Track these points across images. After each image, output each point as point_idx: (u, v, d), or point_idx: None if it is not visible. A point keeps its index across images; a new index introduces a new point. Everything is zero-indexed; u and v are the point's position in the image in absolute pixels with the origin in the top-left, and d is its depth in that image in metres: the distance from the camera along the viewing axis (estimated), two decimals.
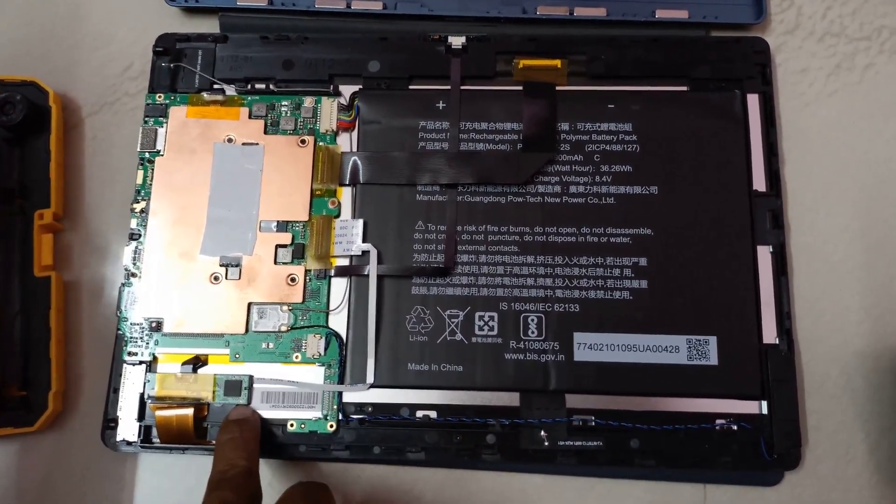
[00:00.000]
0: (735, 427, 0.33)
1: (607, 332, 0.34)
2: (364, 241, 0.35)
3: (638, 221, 0.35)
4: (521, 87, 0.37)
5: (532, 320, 0.34)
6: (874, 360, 0.35)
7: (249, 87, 0.37)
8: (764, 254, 0.35)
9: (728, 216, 0.35)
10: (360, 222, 0.35)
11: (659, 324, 0.34)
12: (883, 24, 0.39)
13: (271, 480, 0.34)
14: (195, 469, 0.34)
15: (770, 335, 0.34)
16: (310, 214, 0.35)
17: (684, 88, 0.37)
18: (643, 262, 0.34)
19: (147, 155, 0.36)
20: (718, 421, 0.33)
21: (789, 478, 0.34)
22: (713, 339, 0.33)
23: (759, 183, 0.36)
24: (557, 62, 0.37)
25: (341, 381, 0.34)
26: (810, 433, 0.34)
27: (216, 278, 0.34)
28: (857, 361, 0.35)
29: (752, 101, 0.37)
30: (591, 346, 0.34)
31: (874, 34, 0.39)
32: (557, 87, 0.37)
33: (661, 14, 0.38)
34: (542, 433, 0.33)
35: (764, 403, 0.33)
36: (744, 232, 0.35)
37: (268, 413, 0.33)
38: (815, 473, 0.34)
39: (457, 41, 0.37)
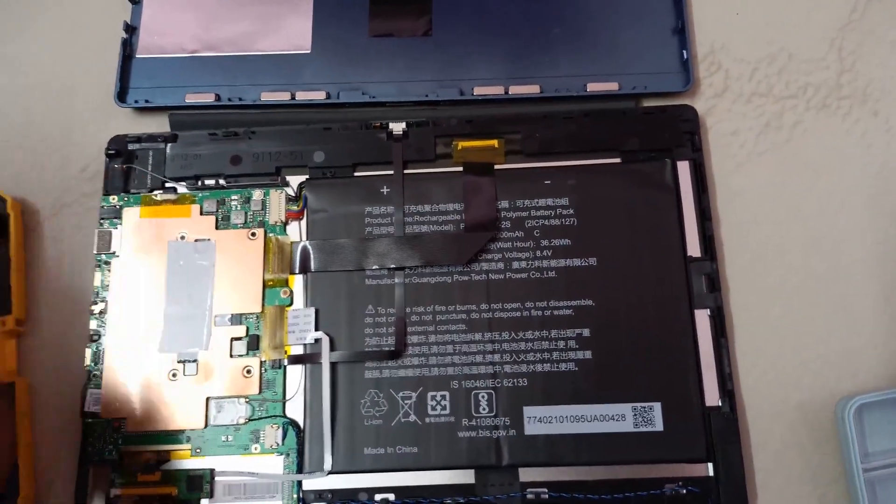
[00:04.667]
0: (684, 491, 0.34)
1: (555, 405, 0.35)
2: (317, 328, 0.36)
3: (579, 293, 0.36)
4: (461, 168, 0.38)
5: (483, 397, 0.35)
6: (815, 412, 0.36)
7: (200, 183, 0.38)
8: (702, 317, 0.36)
9: (665, 283, 0.36)
10: (312, 311, 0.36)
11: (604, 393, 0.35)
12: (808, 82, 0.41)
13: None
14: None
15: (713, 397, 0.35)
16: (263, 305, 0.36)
17: (617, 160, 0.38)
18: (586, 332, 0.36)
19: (103, 257, 0.37)
20: (668, 486, 0.34)
21: None
22: (657, 406, 0.35)
23: (694, 248, 0.37)
24: (494, 142, 0.39)
25: (300, 469, 0.35)
26: (759, 490, 0.35)
27: (174, 375, 0.35)
28: (800, 415, 0.36)
29: (683, 167, 0.38)
30: (541, 420, 0.35)
31: (800, 92, 0.41)
32: (496, 166, 0.38)
33: (592, 88, 0.40)
34: None
35: (710, 465, 0.34)
36: (681, 297, 0.36)
37: None
38: None
39: (397, 127, 0.39)
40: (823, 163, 0.40)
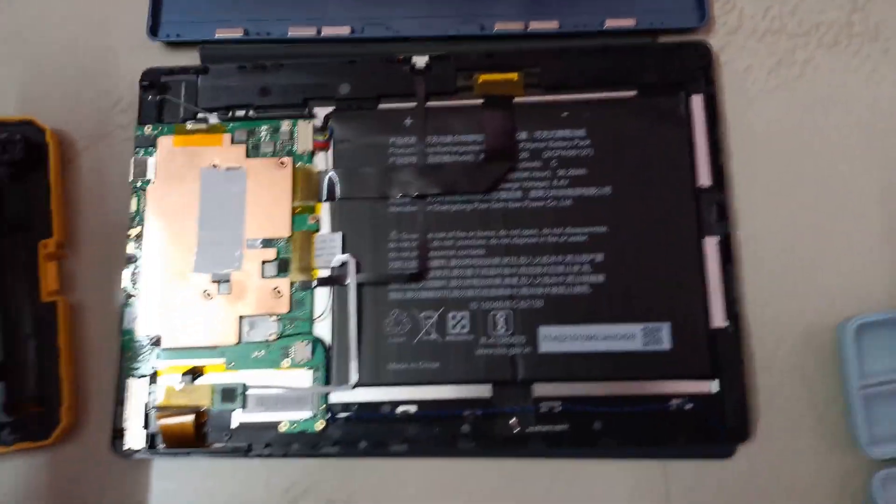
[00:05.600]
0: (689, 406, 0.36)
1: (569, 325, 0.37)
2: (343, 252, 0.38)
3: (593, 220, 0.38)
4: (481, 101, 0.40)
5: (500, 317, 0.37)
6: (818, 336, 0.38)
7: (230, 114, 0.40)
8: (711, 244, 0.37)
9: (675, 211, 0.38)
10: (339, 235, 0.38)
11: (616, 314, 0.37)
12: (820, 21, 0.42)
13: (268, 478, 0.37)
14: (198, 471, 0.37)
15: (719, 319, 0.37)
16: (291, 231, 0.38)
17: (633, 94, 0.40)
18: (599, 257, 0.37)
19: (139, 183, 0.39)
20: (673, 401, 0.36)
21: (742, 450, 0.37)
22: (666, 326, 0.36)
23: (705, 179, 0.38)
24: (514, 75, 0.40)
25: (327, 382, 0.37)
26: (762, 408, 0.37)
27: (209, 294, 0.37)
28: (804, 339, 0.38)
29: (697, 101, 0.39)
30: (555, 338, 0.37)
31: (812, 30, 0.42)
32: (515, 99, 0.39)
33: (609, 23, 0.41)
34: (513, 420, 0.36)
35: (715, 382, 0.36)
36: (690, 225, 0.37)
37: (262, 416, 0.36)
38: (767, 445, 0.37)
39: (420, 61, 0.40)
40: (833, 99, 0.41)
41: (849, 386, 0.35)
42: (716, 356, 0.36)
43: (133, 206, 0.39)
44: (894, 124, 0.40)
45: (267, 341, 0.37)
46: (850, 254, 0.39)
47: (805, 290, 0.38)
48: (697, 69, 0.40)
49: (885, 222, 0.39)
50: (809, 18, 0.42)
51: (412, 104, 0.40)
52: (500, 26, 0.41)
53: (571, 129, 0.39)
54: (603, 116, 0.39)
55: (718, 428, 0.36)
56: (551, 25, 0.41)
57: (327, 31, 0.41)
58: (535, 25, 0.41)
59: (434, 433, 0.36)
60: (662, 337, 0.36)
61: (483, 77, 0.40)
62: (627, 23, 0.41)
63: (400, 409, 0.36)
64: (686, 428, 0.36)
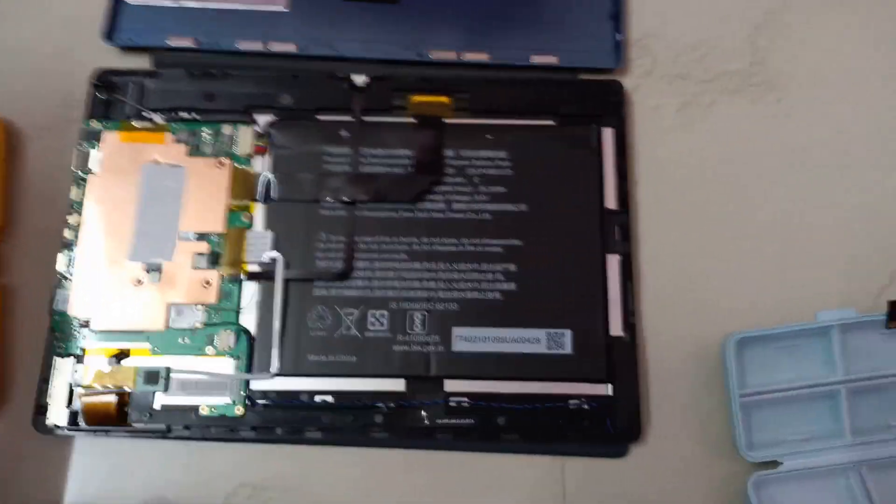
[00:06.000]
0: (586, 406, 0.39)
1: (481, 327, 0.39)
2: (273, 249, 0.40)
3: (509, 234, 0.41)
4: (414, 120, 0.43)
5: (417, 317, 0.40)
6: (706, 349, 0.41)
7: (175, 115, 0.42)
8: (613, 261, 0.41)
9: (583, 230, 0.41)
10: (270, 233, 0.40)
11: (524, 319, 0.40)
12: (725, 70, 0.47)
13: (188, 461, 0.39)
14: (116, 450, 0.39)
15: (617, 329, 0.40)
16: (226, 226, 0.40)
17: (552, 122, 0.43)
18: (512, 267, 0.40)
19: (80, 173, 0.41)
20: (571, 401, 0.39)
21: (634, 451, 0.40)
22: (568, 332, 0.39)
23: (612, 202, 0.42)
24: (445, 99, 0.43)
25: (249, 370, 0.39)
26: (653, 413, 0.40)
27: (140, 281, 0.39)
28: (693, 351, 0.41)
29: (608, 133, 0.43)
30: (467, 339, 0.39)
31: (716, 78, 0.47)
32: (445, 120, 0.43)
33: (535, 59, 0.45)
34: (423, 413, 0.38)
35: (610, 386, 0.39)
36: (595, 243, 0.41)
37: (183, 399, 0.38)
38: (657, 447, 0.40)
39: (359, 79, 0.43)
40: (733, 138, 0.45)
41: (730, 394, 0.39)
42: (612, 362, 0.39)
43: (74, 195, 0.40)
44: (784, 165, 0.45)
45: (193, 329, 0.39)
46: (737, 276, 0.43)
47: (696, 307, 0.42)
48: (611, 105, 0.44)
49: (769, 249, 0.43)
50: (715, 67, 0.47)
51: (349, 118, 0.43)
52: (435, 54, 0.45)
53: (494, 150, 0.42)
54: (523, 141, 0.43)
55: (611, 428, 0.39)
56: (482, 57, 0.45)
57: (274, 47, 0.44)
58: (468, 56, 0.45)
59: (349, 422, 0.38)
60: (565, 342, 0.39)
61: (416, 98, 0.43)
62: (551, 60, 0.45)
63: (317, 398, 0.38)
64: (583, 427, 0.39)
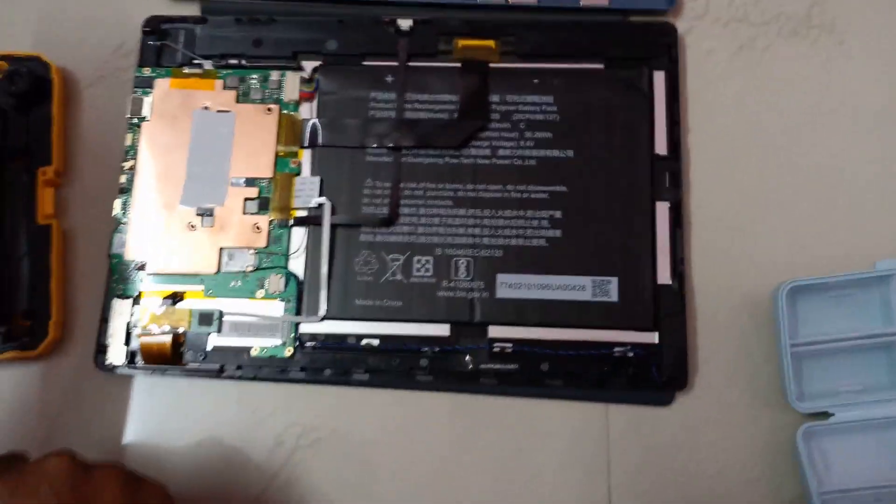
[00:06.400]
0: (631, 354, 0.39)
1: (525, 274, 0.39)
2: (320, 195, 0.41)
3: (555, 180, 0.40)
4: (459, 64, 0.42)
5: (462, 263, 0.40)
6: (756, 298, 0.40)
7: (224, 62, 0.43)
8: (662, 209, 0.40)
9: (632, 176, 0.40)
10: (318, 179, 0.41)
11: (569, 266, 0.39)
12: (781, 12, 0.45)
13: (239, 398, 0.40)
14: (172, 389, 0.40)
15: (664, 277, 0.39)
16: (274, 172, 0.41)
17: (600, 66, 0.42)
18: (558, 214, 0.40)
19: (135, 120, 0.42)
20: (617, 349, 0.39)
21: (681, 399, 0.39)
22: (614, 280, 0.39)
23: (661, 148, 0.41)
24: (491, 42, 0.43)
25: (298, 313, 0.39)
26: (700, 362, 0.40)
27: (192, 226, 0.40)
28: (742, 300, 0.40)
29: (659, 77, 0.42)
30: (512, 286, 0.39)
31: (773, 20, 0.45)
32: (490, 65, 0.42)
33: (584, 2, 0.44)
34: (468, 358, 0.39)
35: (656, 334, 0.39)
36: (644, 189, 0.40)
37: (235, 340, 0.39)
38: (703, 396, 0.39)
39: (404, 24, 0.43)
40: (788, 84, 0.44)
41: (780, 344, 0.38)
42: (659, 310, 0.39)
43: (128, 141, 0.41)
44: (841, 109, 0.43)
45: (244, 272, 0.40)
46: (790, 224, 0.41)
47: (747, 256, 0.41)
48: (662, 48, 0.43)
49: (824, 197, 0.42)
50: (771, 9, 0.45)
51: (394, 63, 0.42)
52: None
53: (540, 95, 0.42)
54: (571, 85, 0.42)
55: (657, 376, 0.38)
56: (530, 0, 0.44)
57: None
58: None
59: (394, 365, 0.39)
60: (611, 290, 0.39)
61: (462, 42, 0.43)
62: (601, 2, 0.44)
63: (364, 341, 0.39)
64: (628, 374, 0.38)
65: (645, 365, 0.39)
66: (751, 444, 0.39)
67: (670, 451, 0.39)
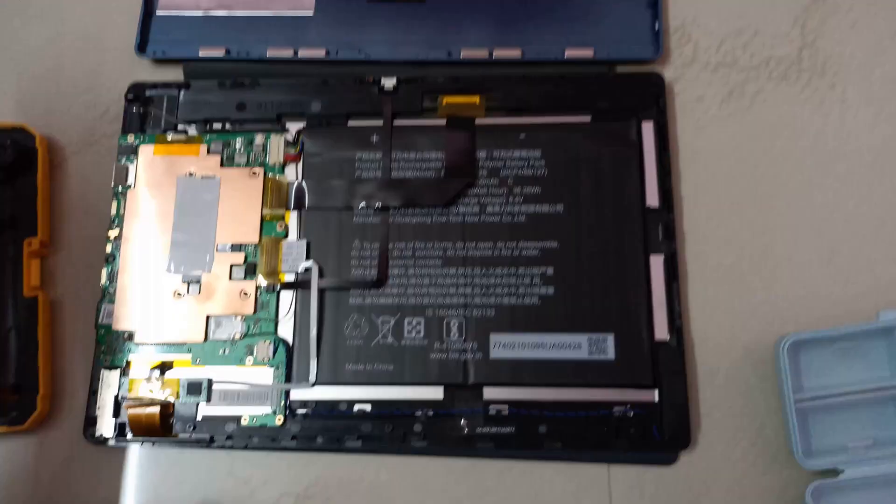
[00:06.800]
0: (631, 413, 0.38)
1: (519, 333, 0.39)
2: (308, 259, 0.40)
3: (546, 236, 0.40)
4: (444, 121, 0.42)
5: (454, 324, 0.39)
6: (758, 352, 0.39)
7: (208, 126, 0.42)
8: (656, 262, 0.39)
9: (624, 229, 0.40)
10: (304, 242, 0.40)
11: (564, 324, 0.39)
12: (771, 55, 0.44)
13: (231, 468, 0.39)
14: (164, 459, 0.39)
15: (662, 332, 0.38)
16: (260, 236, 0.40)
17: (587, 119, 0.42)
18: (550, 271, 0.39)
19: (120, 188, 0.41)
20: (616, 408, 0.38)
21: (684, 458, 0.38)
22: (611, 337, 0.38)
23: (653, 200, 0.40)
24: (476, 98, 0.42)
25: (288, 380, 0.39)
26: (703, 418, 0.39)
27: (179, 294, 0.40)
28: (744, 354, 0.39)
29: (648, 128, 0.41)
30: (505, 345, 0.39)
31: (762, 64, 0.44)
32: (476, 120, 0.42)
33: (569, 53, 0.43)
34: (463, 421, 0.38)
35: (656, 392, 0.38)
36: (638, 243, 0.39)
37: (225, 409, 0.38)
38: (707, 453, 0.38)
39: (389, 83, 0.43)
40: (781, 129, 0.43)
41: (785, 400, 0.37)
42: (658, 367, 0.38)
43: (113, 210, 0.41)
44: (838, 154, 0.42)
45: (232, 340, 0.39)
46: (789, 274, 0.40)
47: (746, 308, 0.40)
48: (650, 98, 0.42)
49: (824, 245, 0.41)
50: (761, 53, 0.45)
51: (379, 122, 0.42)
52: (466, 53, 0.44)
53: (528, 150, 0.41)
54: (558, 139, 0.41)
55: (659, 435, 0.37)
56: (514, 53, 0.43)
57: (303, 53, 0.44)
58: (500, 53, 0.43)
59: (388, 431, 0.38)
60: (607, 347, 0.38)
61: (447, 99, 0.42)
62: (586, 53, 0.43)
63: (356, 407, 0.38)
64: (628, 434, 0.37)
65: (646, 424, 0.37)
66: (758, 502, 0.38)
67: None
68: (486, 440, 0.38)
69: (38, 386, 0.39)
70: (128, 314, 0.40)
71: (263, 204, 0.41)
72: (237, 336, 0.39)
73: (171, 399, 0.38)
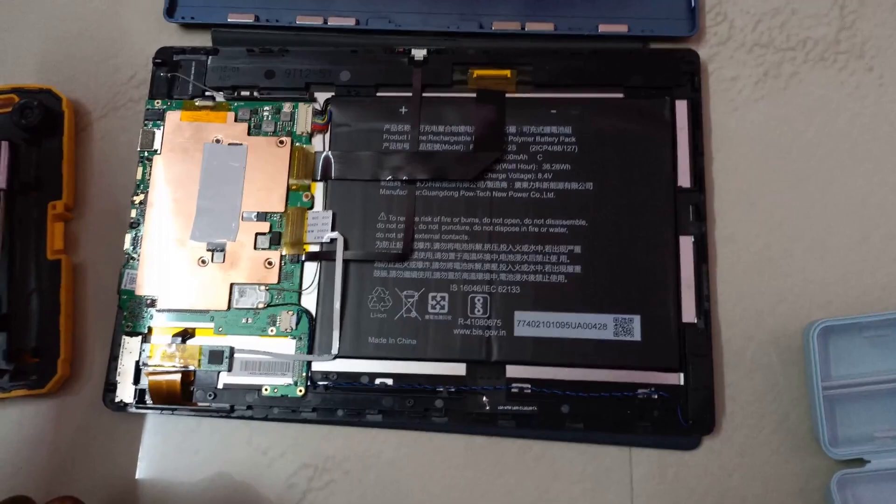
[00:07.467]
0: (655, 396, 0.37)
1: (544, 311, 0.38)
2: (333, 230, 0.40)
3: (574, 214, 0.39)
4: (474, 95, 0.41)
5: (478, 300, 0.39)
6: (786, 337, 0.39)
7: (236, 94, 0.42)
8: (686, 243, 0.39)
9: (654, 209, 0.39)
10: (330, 213, 0.40)
11: (589, 304, 0.38)
12: (808, 36, 0.43)
13: (249, 438, 0.39)
14: (182, 427, 0.39)
15: (689, 315, 0.38)
16: (286, 206, 0.40)
17: (620, 96, 0.41)
18: (577, 249, 0.39)
19: (146, 153, 0.41)
20: (640, 390, 0.37)
21: (707, 443, 0.38)
22: (637, 318, 0.38)
23: (685, 180, 0.40)
24: (507, 72, 0.42)
25: (310, 351, 0.38)
26: (727, 403, 0.38)
27: (203, 262, 0.39)
28: (772, 338, 0.39)
29: (681, 106, 0.41)
30: (530, 324, 0.38)
31: (799, 45, 0.43)
32: (507, 94, 0.41)
33: (603, 28, 0.42)
34: (484, 399, 0.38)
35: (681, 375, 0.37)
36: (667, 223, 0.39)
37: (246, 379, 0.38)
38: (731, 439, 0.38)
39: (419, 53, 0.42)
40: (815, 111, 0.42)
41: (812, 387, 0.37)
42: (684, 350, 0.37)
43: (139, 175, 0.41)
44: (874, 138, 0.41)
45: (255, 309, 0.39)
46: (822, 259, 0.40)
47: (776, 292, 0.39)
48: (684, 76, 0.41)
49: (857, 230, 0.40)
50: (798, 34, 0.43)
51: (409, 94, 0.41)
52: (497, 25, 0.43)
53: (558, 126, 0.40)
54: (589, 116, 0.40)
55: (683, 419, 0.37)
56: (546, 27, 0.43)
57: (333, 21, 0.43)
58: (532, 26, 0.43)
59: (408, 406, 0.38)
60: (633, 328, 0.38)
61: (477, 72, 0.42)
62: (620, 28, 0.42)
63: (377, 381, 0.38)
64: (652, 417, 0.37)
65: (670, 407, 0.37)
66: (781, 490, 0.37)
67: (696, 497, 0.37)
68: (508, 418, 0.37)
69: (59, 350, 0.39)
70: (150, 280, 0.39)
71: (290, 174, 0.40)
72: (260, 305, 0.39)
73: (192, 367, 0.38)
